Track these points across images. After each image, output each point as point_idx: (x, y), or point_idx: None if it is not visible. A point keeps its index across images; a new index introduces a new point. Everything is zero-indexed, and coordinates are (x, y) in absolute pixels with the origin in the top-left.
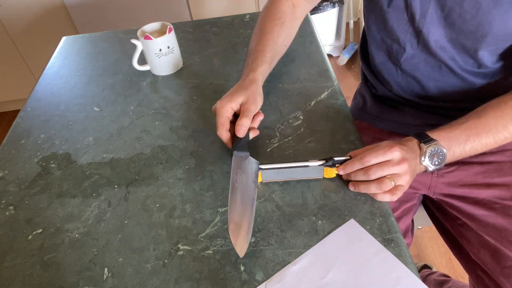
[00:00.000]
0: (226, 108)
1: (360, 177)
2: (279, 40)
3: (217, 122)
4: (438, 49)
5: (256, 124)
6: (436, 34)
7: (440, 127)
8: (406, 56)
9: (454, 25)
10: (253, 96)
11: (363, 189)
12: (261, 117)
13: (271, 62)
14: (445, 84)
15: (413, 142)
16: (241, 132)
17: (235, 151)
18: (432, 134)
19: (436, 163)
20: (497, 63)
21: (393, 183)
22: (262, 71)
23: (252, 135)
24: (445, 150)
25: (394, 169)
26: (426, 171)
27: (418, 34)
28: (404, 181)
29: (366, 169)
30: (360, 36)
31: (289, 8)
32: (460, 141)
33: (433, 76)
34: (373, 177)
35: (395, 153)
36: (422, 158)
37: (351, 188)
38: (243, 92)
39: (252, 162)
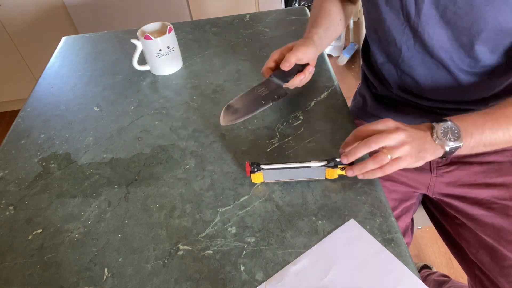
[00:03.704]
0: (275, 52)
1: (362, 150)
2: (332, 13)
3: (296, 50)
4: (436, 48)
5: (306, 73)
6: (432, 33)
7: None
8: (402, 57)
9: (449, 22)
10: (303, 42)
11: (357, 169)
12: (311, 69)
13: (326, 28)
14: (443, 84)
15: (424, 125)
16: (284, 66)
17: (271, 75)
18: (446, 118)
19: (452, 139)
20: (493, 61)
21: (389, 156)
22: (316, 32)
23: (298, 79)
24: (458, 126)
25: (389, 138)
26: (445, 154)
27: (415, 34)
28: (402, 152)
29: (364, 140)
30: (364, 35)
31: None
32: (478, 124)
33: (430, 77)
34: (373, 146)
35: (389, 124)
36: (435, 135)
37: (349, 173)
38: (295, 42)
39: (281, 87)
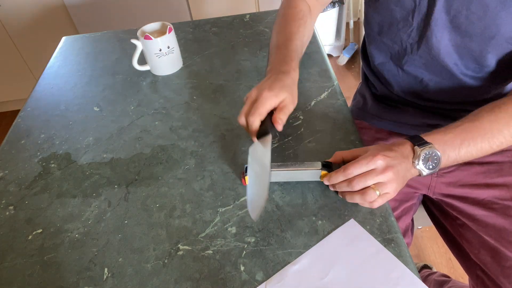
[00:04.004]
0: (272, 101)
1: (344, 188)
2: (304, 39)
3: (256, 108)
4: (442, 53)
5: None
6: (441, 37)
7: (435, 130)
8: (407, 58)
9: (459, 28)
10: (294, 96)
11: (348, 199)
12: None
13: (300, 56)
14: (446, 86)
15: (406, 146)
16: (280, 127)
17: (257, 140)
18: (427, 137)
19: (431, 167)
20: (499, 67)
21: (377, 192)
22: (297, 66)
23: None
24: (439, 153)
25: (378, 178)
26: (420, 175)
27: (422, 37)
28: (390, 189)
29: (349, 180)
30: (362, 35)
31: (307, 7)
32: (455, 145)
33: (434, 79)
34: (356, 188)
35: (378, 162)
36: (416, 162)
37: (340, 195)
38: (287, 90)
39: (266, 143)
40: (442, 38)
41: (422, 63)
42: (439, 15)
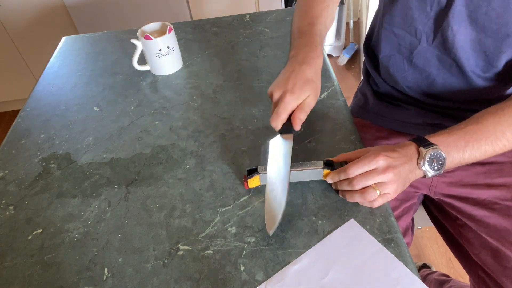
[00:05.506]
0: (292, 105)
1: (345, 187)
2: (327, 23)
3: (277, 113)
4: (455, 46)
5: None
6: (457, 30)
7: (439, 132)
8: (419, 49)
9: (477, 22)
10: (316, 93)
11: (348, 198)
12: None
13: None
14: (453, 83)
15: (411, 147)
16: (297, 126)
17: (279, 134)
18: (431, 139)
19: (436, 168)
20: (506, 68)
21: (378, 192)
22: (322, 54)
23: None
24: (444, 155)
25: (379, 178)
26: (425, 176)
27: (438, 28)
28: (391, 190)
29: (350, 179)
30: (367, 30)
31: None
32: (459, 147)
33: (442, 74)
34: (357, 187)
35: (379, 162)
36: (421, 163)
37: (340, 195)
38: (309, 86)
39: (289, 140)
40: (457, 32)
41: (433, 55)
42: (458, 7)
